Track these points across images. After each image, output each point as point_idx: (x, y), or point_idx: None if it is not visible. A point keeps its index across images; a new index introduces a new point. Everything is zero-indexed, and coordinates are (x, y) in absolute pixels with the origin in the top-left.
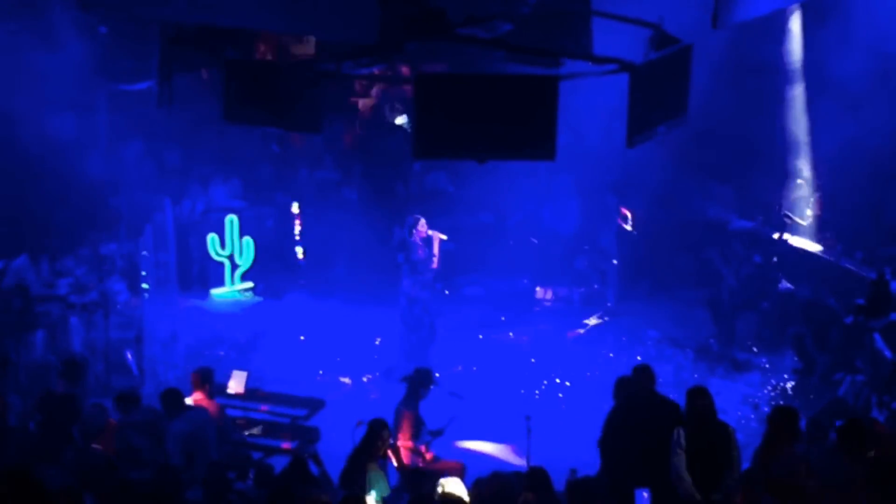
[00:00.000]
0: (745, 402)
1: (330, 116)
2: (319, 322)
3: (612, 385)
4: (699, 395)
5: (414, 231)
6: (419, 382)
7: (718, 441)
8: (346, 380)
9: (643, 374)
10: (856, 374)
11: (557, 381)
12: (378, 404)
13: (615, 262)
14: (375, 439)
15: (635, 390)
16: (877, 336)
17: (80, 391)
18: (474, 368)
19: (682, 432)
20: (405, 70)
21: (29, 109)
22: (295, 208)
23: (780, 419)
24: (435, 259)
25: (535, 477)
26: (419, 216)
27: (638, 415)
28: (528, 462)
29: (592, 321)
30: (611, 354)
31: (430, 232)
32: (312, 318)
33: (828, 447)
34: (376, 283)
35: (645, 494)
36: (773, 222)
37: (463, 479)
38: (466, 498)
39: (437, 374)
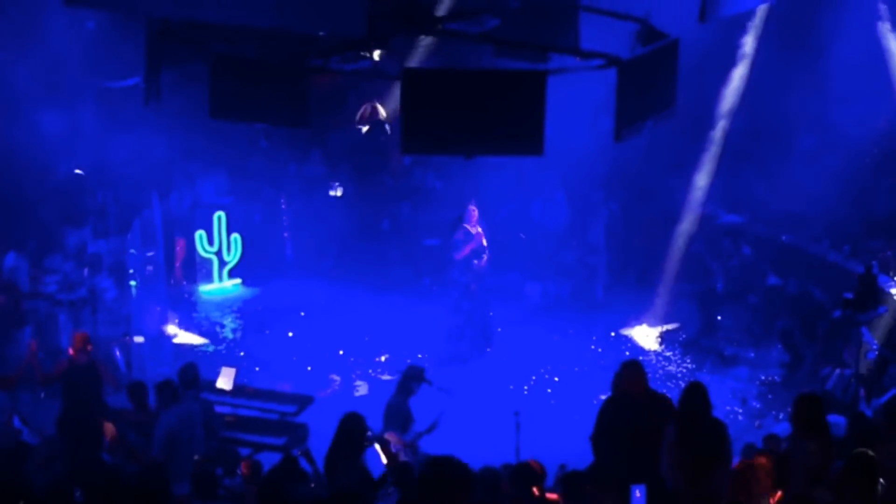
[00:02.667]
0: (734, 396)
1: (318, 112)
2: (308, 317)
3: (600, 379)
4: (694, 392)
5: (465, 216)
6: (410, 377)
7: (711, 438)
8: (336, 377)
9: (635, 371)
10: (843, 368)
11: (546, 376)
12: (367, 400)
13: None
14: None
15: (626, 387)
16: (864, 330)
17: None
18: (462, 364)
19: (673, 428)
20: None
21: (16, 106)
22: (283, 203)
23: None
24: (467, 249)
25: (525, 473)
26: (471, 205)
27: (631, 410)
28: (517, 457)
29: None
30: (599, 349)
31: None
32: (301, 314)
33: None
34: (365, 275)
35: (637, 493)
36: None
37: None
38: None
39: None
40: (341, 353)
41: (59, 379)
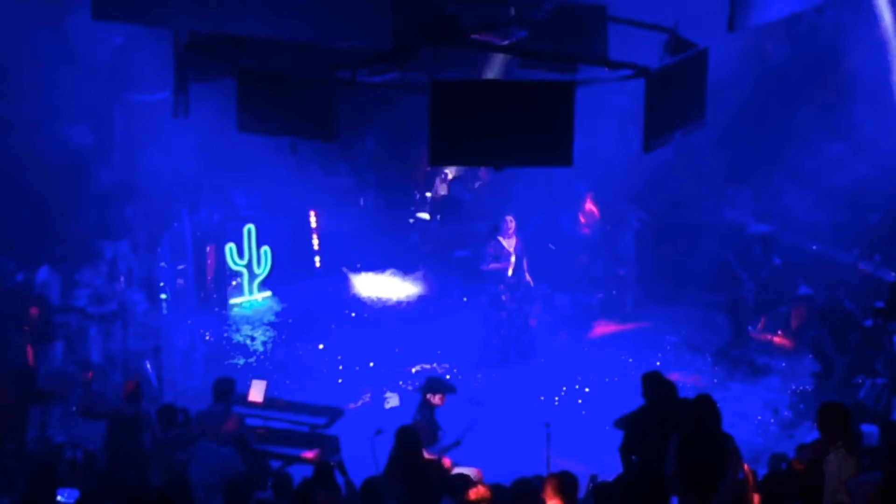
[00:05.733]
0: (766, 406)
1: (347, 124)
2: (339, 329)
3: (630, 390)
4: (701, 406)
5: (500, 227)
6: (429, 390)
7: (715, 452)
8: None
9: (655, 382)
10: (875, 378)
11: (577, 387)
12: (398, 412)
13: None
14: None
15: (657, 398)
16: None
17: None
18: (493, 375)
19: (675, 440)
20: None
21: (46, 120)
22: (312, 217)
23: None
24: (493, 265)
25: (564, 482)
26: (509, 216)
27: (661, 421)
28: (548, 468)
29: None
30: (630, 360)
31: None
32: (332, 326)
33: None
34: (394, 287)
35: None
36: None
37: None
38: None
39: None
40: (372, 364)
41: (99, 418)
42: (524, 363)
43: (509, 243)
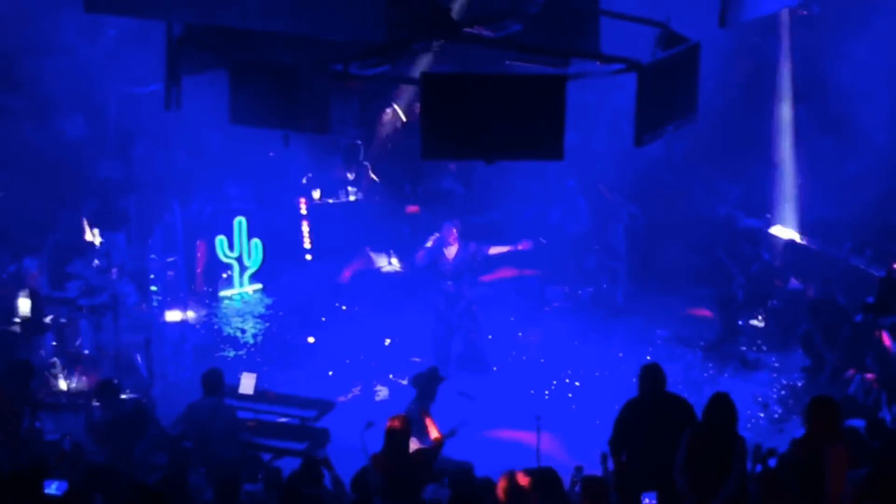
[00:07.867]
0: (755, 401)
1: (338, 116)
2: (329, 323)
3: (621, 384)
4: (717, 403)
5: (443, 235)
6: (427, 382)
7: (725, 450)
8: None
9: (652, 375)
10: (865, 373)
11: (567, 380)
12: (388, 404)
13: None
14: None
15: (646, 391)
16: (886, 334)
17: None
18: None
19: (689, 433)
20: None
21: (39, 112)
22: (303, 209)
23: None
24: (420, 254)
25: (544, 477)
26: (451, 223)
27: (648, 413)
28: (538, 461)
29: None
30: (620, 354)
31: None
32: (322, 319)
33: None
34: (386, 280)
35: (647, 502)
36: None
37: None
38: None
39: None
40: (362, 357)
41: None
42: (517, 355)
43: (450, 251)
